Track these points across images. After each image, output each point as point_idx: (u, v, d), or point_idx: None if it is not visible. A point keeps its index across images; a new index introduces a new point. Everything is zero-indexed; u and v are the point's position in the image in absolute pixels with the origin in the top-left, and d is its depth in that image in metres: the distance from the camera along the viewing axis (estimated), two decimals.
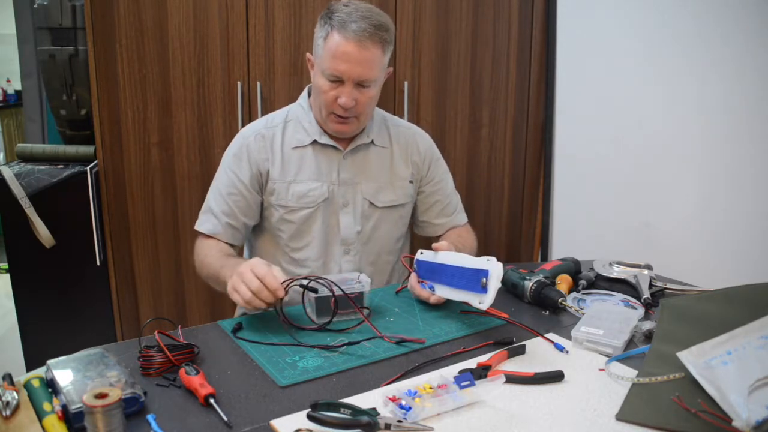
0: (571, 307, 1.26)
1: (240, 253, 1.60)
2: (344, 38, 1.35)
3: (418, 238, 1.71)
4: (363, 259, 1.55)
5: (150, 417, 0.89)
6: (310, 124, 1.52)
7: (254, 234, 1.60)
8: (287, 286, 1.19)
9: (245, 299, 1.17)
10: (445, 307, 1.31)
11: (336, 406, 0.88)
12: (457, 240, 1.57)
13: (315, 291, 1.22)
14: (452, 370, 1.03)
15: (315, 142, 1.51)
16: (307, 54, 1.49)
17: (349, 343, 1.14)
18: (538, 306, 1.32)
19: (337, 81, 1.39)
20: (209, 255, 1.46)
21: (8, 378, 0.97)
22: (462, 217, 1.70)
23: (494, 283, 1.15)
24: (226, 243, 1.50)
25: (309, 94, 1.57)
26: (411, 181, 1.60)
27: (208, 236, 1.51)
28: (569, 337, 1.14)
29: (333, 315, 1.20)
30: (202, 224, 1.52)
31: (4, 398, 0.91)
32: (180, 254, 2.24)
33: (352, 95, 1.39)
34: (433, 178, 1.63)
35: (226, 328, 1.22)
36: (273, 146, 1.51)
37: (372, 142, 1.55)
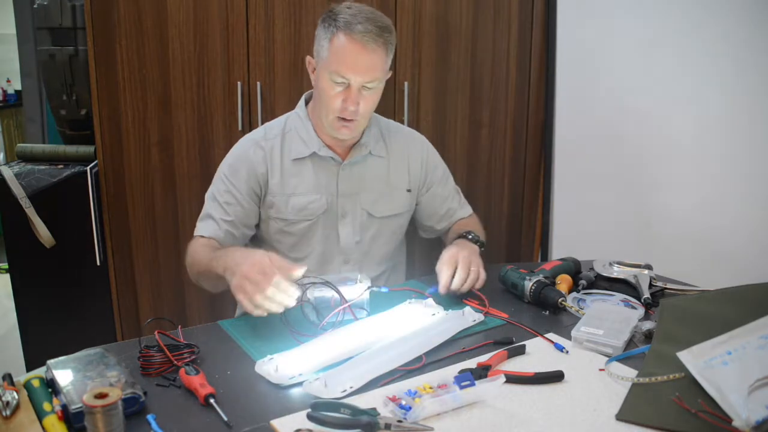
0: (571, 307, 1.26)
1: None
2: (350, 39, 1.35)
3: (416, 244, 1.71)
4: (362, 268, 1.54)
5: (150, 417, 0.89)
6: (309, 135, 1.50)
7: (253, 243, 1.58)
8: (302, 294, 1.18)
9: (255, 303, 1.12)
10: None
11: (336, 406, 0.88)
12: (462, 230, 1.57)
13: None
14: (452, 370, 1.03)
15: (314, 154, 1.50)
16: (308, 57, 1.47)
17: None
18: (538, 306, 1.32)
19: (343, 84, 1.39)
20: (199, 252, 1.42)
21: (8, 378, 0.97)
22: (466, 211, 1.69)
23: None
24: None
25: (306, 103, 1.55)
26: (408, 190, 1.60)
27: (200, 238, 1.48)
28: (569, 337, 1.14)
29: (337, 316, 1.20)
30: (202, 229, 1.48)
31: (4, 398, 0.91)
32: (180, 254, 2.22)
33: (358, 98, 1.39)
34: (431, 185, 1.63)
35: (226, 328, 1.22)
36: (272, 159, 1.49)
37: (370, 152, 1.54)
